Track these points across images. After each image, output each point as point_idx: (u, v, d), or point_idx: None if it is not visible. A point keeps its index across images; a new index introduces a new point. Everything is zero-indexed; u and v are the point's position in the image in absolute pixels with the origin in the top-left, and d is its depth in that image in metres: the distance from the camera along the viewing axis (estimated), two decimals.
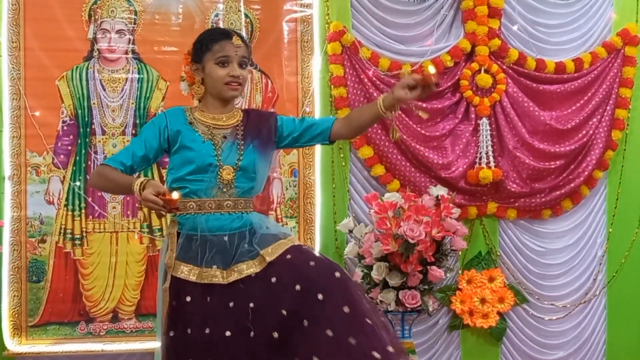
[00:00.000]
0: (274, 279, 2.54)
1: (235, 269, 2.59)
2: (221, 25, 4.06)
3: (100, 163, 2.93)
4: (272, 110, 4.10)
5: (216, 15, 4.09)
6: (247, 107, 4.07)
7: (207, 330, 2.51)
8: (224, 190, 2.67)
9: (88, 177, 3.96)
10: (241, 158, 2.69)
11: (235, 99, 2.81)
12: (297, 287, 2.49)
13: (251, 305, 2.52)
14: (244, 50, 2.72)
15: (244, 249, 2.62)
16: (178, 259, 2.62)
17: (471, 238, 4.39)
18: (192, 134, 2.68)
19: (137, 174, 2.76)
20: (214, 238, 2.63)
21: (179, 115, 2.75)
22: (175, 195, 2.45)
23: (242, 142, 2.71)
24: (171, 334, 2.55)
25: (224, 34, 2.73)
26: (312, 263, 2.55)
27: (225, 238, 2.63)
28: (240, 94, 2.79)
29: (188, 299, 2.57)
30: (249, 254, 2.61)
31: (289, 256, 2.59)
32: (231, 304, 2.54)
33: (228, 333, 2.50)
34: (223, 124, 2.73)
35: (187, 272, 2.60)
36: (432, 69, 2.60)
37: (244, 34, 4.07)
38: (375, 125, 4.17)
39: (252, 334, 2.49)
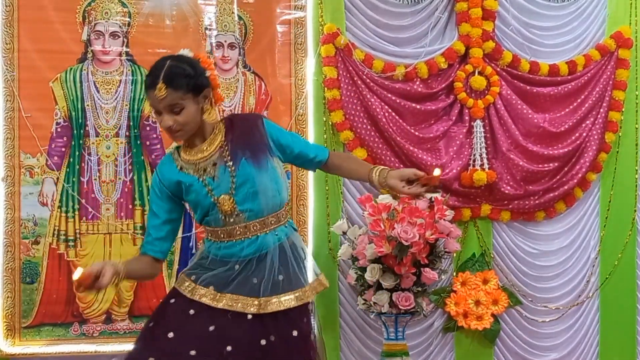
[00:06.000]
0: (263, 341, 2.51)
1: (232, 297, 2.55)
2: (214, 26, 4.06)
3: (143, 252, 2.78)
4: (264, 112, 4.11)
5: (209, 18, 4.09)
6: (240, 110, 4.07)
7: (170, 335, 2.52)
8: (232, 219, 2.58)
9: (82, 179, 3.96)
10: (234, 180, 2.57)
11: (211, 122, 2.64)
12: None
13: (228, 348, 2.49)
14: (170, 97, 2.48)
15: (249, 282, 2.56)
16: (185, 273, 2.69)
17: (465, 240, 4.39)
18: (188, 178, 2.61)
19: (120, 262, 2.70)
20: (224, 264, 2.60)
21: (168, 167, 2.70)
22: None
23: (232, 162, 2.58)
24: (150, 324, 2.64)
25: (149, 85, 2.52)
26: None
27: (237, 266, 2.58)
28: (186, 135, 2.59)
29: (172, 300, 2.63)
30: (251, 289, 2.56)
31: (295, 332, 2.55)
32: (211, 329, 2.52)
33: (193, 352, 2.48)
34: (207, 154, 2.61)
35: (185, 286, 2.62)
36: (437, 172, 2.57)
37: (237, 35, 4.08)
38: (369, 126, 4.19)
39: None
